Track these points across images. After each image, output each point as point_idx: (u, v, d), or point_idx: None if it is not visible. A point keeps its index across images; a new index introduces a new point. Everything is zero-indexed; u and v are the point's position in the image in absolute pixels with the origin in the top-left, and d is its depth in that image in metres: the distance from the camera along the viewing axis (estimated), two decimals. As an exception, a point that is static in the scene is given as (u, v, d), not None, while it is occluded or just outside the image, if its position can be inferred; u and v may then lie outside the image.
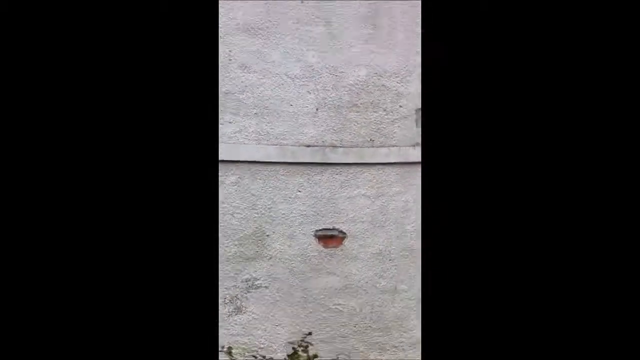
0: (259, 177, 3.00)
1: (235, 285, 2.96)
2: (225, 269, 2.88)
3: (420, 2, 3.18)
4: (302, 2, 3.10)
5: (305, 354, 2.90)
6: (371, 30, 3.16)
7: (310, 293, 3.08)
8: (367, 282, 3.09)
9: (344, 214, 3.09)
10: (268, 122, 3.06)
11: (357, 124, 3.12)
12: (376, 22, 3.16)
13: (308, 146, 3.08)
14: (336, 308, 3.09)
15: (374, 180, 3.11)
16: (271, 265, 3.05)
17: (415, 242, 3.11)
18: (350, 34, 3.14)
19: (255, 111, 3.00)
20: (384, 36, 3.16)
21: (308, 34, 3.10)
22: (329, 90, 3.12)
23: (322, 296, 3.08)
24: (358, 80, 3.14)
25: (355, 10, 3.15)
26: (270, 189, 3.05)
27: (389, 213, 3.12)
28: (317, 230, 3.08)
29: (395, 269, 3.10)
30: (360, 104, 3.13)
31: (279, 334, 3.04)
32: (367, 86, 3.14)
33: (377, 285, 3.09)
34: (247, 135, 3.00)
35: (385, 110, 3.15)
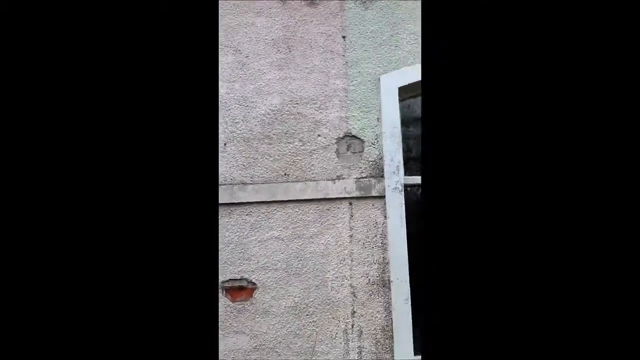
0: (156, 221, 2.66)
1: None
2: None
3: (338, 21, 2.89)
4: (209, 31, 2.88)
5: None
6: (285, 54, 2.86)
7: (217, 357, 2.60)
8: (280, 342, 2.57)
9: (254, 260, 2.65)
10: (177, 161, 2.76)
11: (270, 157, 2.75)
12: (290, 45, 2.87)
13: (216, 185, 2.73)
14: (246, 375, 2.57)
15: (289, 220, 2.68)
16: (180, 323, 2.63)
17: (337, 293, 2.59)
18: (262, 61, 2.86)
19: (153, 148, 2.72)
20: (299, 60, 2.85)
21: (216, 63, 2.85)
22: (238, 122, 2.80)
23: (230, 360, 2.59)
24: (270, 109, 2.80)
25: (267, 34, 2.88)
26: (186, 237, 2.69)
27: (307, 258, 2.64)
28: (223, 282, 2.65)
29: (313, 325, 2.57)
30: (273, 135, 2.78)
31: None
32: (281, 115, 2.80)
33: (292, 346, 2.56)
34: (144, 175, 2.70)
35: (301, 140, 2.77)
